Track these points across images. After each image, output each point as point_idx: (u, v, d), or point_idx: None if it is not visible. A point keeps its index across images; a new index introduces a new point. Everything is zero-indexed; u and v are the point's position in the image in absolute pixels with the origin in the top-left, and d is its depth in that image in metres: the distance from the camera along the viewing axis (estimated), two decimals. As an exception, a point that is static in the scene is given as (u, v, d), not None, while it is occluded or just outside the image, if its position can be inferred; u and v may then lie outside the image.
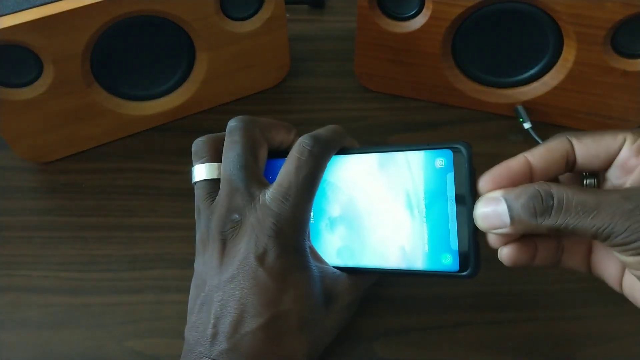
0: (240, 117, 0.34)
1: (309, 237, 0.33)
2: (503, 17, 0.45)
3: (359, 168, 0.33)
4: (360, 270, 0.34)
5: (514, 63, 0.48)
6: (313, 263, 0.32)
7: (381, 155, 0.33)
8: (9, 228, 0.44)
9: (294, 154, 0.32)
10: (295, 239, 0.31)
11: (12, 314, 0.40)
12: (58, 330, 0.39)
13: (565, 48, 0.45)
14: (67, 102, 0.45)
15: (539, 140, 0.47)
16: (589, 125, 0.49)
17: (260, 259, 0.30)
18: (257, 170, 0.33)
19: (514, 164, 0.28)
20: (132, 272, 0.42)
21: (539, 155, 0.28)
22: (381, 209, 0.32)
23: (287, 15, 0.50)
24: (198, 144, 0.35)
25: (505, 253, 0.29)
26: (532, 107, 0.48)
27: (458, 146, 0.29)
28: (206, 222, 0.33)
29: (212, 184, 0.33)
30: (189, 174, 0.35)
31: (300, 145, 0.32)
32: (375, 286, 0.40)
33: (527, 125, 0.48)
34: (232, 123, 0.34)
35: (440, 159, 0.30)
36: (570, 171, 0.29)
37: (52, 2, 0.40)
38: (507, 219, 0.27)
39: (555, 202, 0.26)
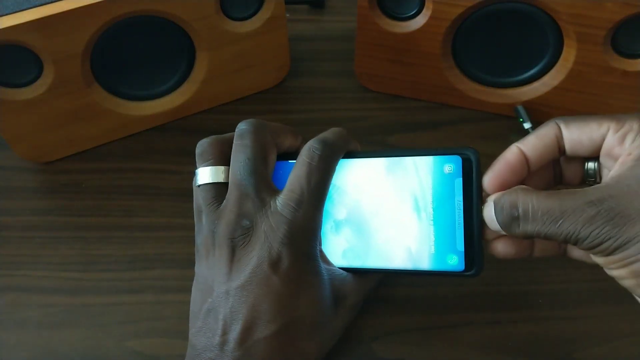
0: (250, 120, 0.34)
1: (320, 242, 0.33)
2: (503, 17, 0.45)
3: (366, 172, 0.34)
4: (366, 271, 0.34)
5: (514, 63, 0.48)
6: (323, 267, 0.32)
7: (389, 159, 0.33)
8: (9, 228, 0.44)
9: (304, 159, 0.32)
10: (308, 246, 0.31)
11: (12, 314, 0.40)
12: (58, 330, 0.39)
13: (565, 48, 0.45)
14: (67, 102, 0.45)
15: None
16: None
17: (274, 266, 0.30)
18: (267, 175, 0.32)
19: (510, 158, 0.29)
20: (132, 272, 0.42)
21: (531, 144, 0.29)
22: (388, 212, 0.33)
23: (287, 15, 0.50)
24: (203, 146, 0.34)
25: (496, 247, 0.31)
26: (532, 107, 0.48)
27: (467, 153, 0.31)
28: (210, 226, 0.32)
29: (218, 188, 0.33)
30: (192, 175, 0.34)
31: (310, 150, 0.32)
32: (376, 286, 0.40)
33: (527, 126, 0.48)
34: (242, 126, 0.33)
35: (449, 165, 0.31)
36: (564, 154, 0.30)
37: (52, 2, 0.40)
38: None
39: (521, 212, 0.27)
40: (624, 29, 0.42)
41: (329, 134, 0.33)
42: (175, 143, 0.50)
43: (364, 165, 0.34)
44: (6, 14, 0.39)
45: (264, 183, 0.32)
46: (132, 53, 0.47)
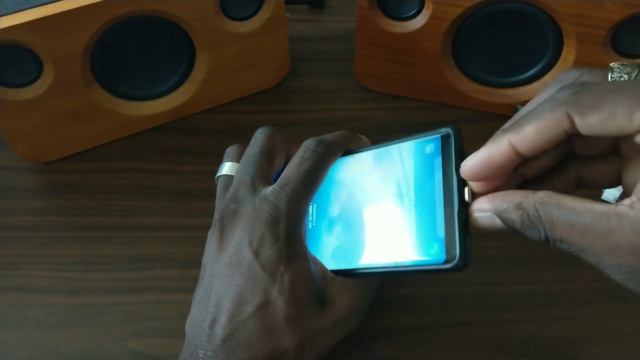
0: (267, 126, 0.36)
1: (304, 232, 0.33)
2: (503, 17, 0.45)
3: (356, 167, 0.34)
4: (353, 273, 0.33)
5: (514, 63, 0.48)
6: (309, 257, 0.32)
7: (377, 150, 0.33)
8: (8, 228, 0.44)
9: (298, 153, 0.33)
10: (290, 230, 0.31)
11: (11, 314, 0.40)
12: (58, 330, 0.39)
13: (565, 48, 0.45)
14: (67, 102, 0.45)
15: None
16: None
17: (253, 247, 0.31)
18: (267, 170, 0.34)
19: (496, 156, 0.25)
20: (132, 272, 0.42)
21: (528, 141, 0.24)
22: (375, 204, 0.32)
23: (287, 15, 0.50)
24: (230, 148, 0.38)
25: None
26: (532, 107, 0.48)
27: (447, 129, 0.28)
28: (216, 211, 0.35)
29: (230, 179, 0.36)
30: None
31: (304, 146, 0.34)
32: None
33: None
34: (258, 130, 0.36)
35: (429, 145, 0.29)
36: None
37: (52, 2, 0.40)
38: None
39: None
40: (624, 29, 0.42)
41: (328, 134, 0.35)
42: (175, 143, 0.50)
43: (356, 160, 0.34)
44: (6, 14, 0.39)
45: (262, 175, 0.34)
46: (132, 53, 0.47)
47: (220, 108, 0.52)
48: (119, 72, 0.47)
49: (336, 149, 0.34)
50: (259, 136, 0.36)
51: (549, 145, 0.24)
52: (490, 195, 0.26)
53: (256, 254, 0.31)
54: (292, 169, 0.33)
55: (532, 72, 0.48)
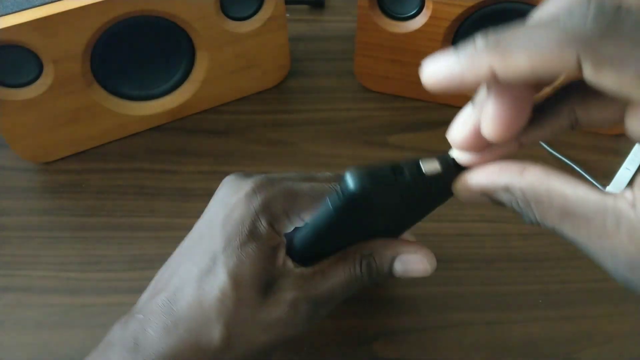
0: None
1: (283, 227, 0.30)
2: (503, 17, 0.45)
3: None
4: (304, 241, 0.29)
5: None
6: (274, 244, 0.29)
7: None
8: (8, 228, 0.44)
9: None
10: (267, 211, 0.29)
11: (11, 314, 0.40)
12: (57, 331, 0.39)
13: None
14: (67, 102, 0.45)
15: (540, 142, 0.46)
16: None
17: (226, 211, 0.30)
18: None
19: (468, 76, 0.19)
20: (132, 272, 0.42)
21: (516, 73, 0.18)
22: None
23: (287, 15, 0.50)
24: None
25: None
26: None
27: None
28: None
29: None
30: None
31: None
32: (375, 286, 0.40)
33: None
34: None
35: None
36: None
37: (52, 2, 0.40)
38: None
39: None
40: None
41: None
42: (175, 143, 0.50)
43: None
44: (6, 14, 0.39)
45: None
46: (132, 53, 0.47)
47: (220, 108, 0.52)
48: (119, 72, 0.47)
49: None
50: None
51: (538, 82, 0.20)
52: (478, 171, 0.23)
53: (224, 218, 0.29)
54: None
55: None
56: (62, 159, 0.48)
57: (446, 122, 0.24)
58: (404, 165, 0.24)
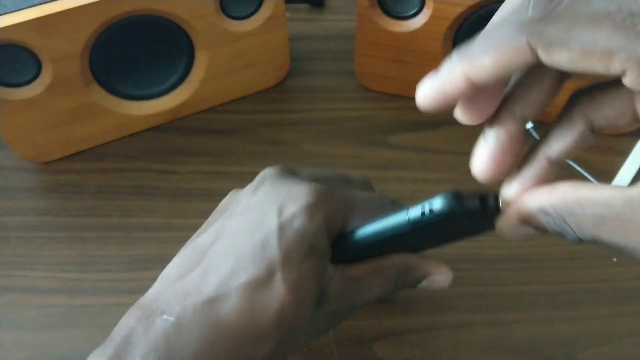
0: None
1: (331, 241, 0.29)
2: (503, 16, 0.45)
3: None
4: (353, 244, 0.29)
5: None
6: (328, 258, 0.28)
7: None
8: (7, 228, 0.44)
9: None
10: (328, 224, 0.28)
11: (10, 314, 0.39)
12: (56, 331, 0.39)
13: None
14: (66, 102, 0.45)
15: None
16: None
17: (282, 217, 0.27)
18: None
19: (449, 88, 0.21)
20: (131, 272, 0.42)
21: (485, 74, 0.20)
22: None
23: (287, 14, 0.50)
24: None
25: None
26: (532, 107, 0.48)
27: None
28: None
29: None
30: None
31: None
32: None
33: (528, 125, 0.48)
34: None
35: None
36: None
37: (50, 1, 0.40)
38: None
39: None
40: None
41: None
42: (174, 143, 0.50)
43: None
44: (5, 13, 0.39)
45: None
46: (131, 52, 0.46)
47: (220, 108, 0.52)
48: (117, 72, 0.47)
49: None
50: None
51: (510, 75, 0.21)
52: (513, 202, 0.23)
53: (281, 226, 0.27)
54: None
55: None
56: (61, 158, 0.48)
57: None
58: (489, 197, 0.24)
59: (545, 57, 0.19)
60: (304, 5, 0.61)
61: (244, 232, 0.27)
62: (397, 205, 0.31)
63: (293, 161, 0.48)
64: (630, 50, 0.17)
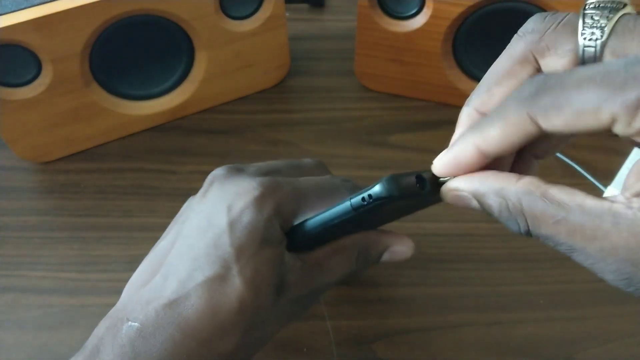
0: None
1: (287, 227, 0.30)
2: (504, 16, 0.45)
3: None
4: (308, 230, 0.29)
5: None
6: (284, 245, 0.29)
7: None
8: (7, 228, 0.44)
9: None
10: (277, 215, 0.29)
11: (10, 314, 0.39)
12: (56, 331, 0.39)
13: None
14: (66, 102, 0.45)
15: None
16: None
17: (231, 215, 0.28)
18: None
19: (463, 159, 0.23)
20: (131, 272, 0.41)
21: (495, 145, 0.22)
22: None
23: (287, 14, 0.50)
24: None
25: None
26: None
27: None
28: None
29: None
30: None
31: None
32: (376, 286, 0.40)
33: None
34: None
35: None
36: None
37: (50, 1, 0.40)
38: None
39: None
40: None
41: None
42: (174, 143, 0.50)
43: None
44: (5, 13, 0.39)
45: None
46: (131, 52, 0.46)
47: (220, 108, 0.52)
48: (117, 72, 0.47)
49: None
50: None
51: (518, 146, 0.22)
52: (469, 175, 0.24)
53: (231, 223, 0.28)
54: (313, 181, 0.31)
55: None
56: (61, 158, 0.48)
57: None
58: (426, 176, 0.26)
59: (545, 124, 0.21)
60: (304, 5, 0.61)
61: (198, 234, 0.28)
62: (349, 183, 0.33)
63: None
64: (615, 99, 0.19)
